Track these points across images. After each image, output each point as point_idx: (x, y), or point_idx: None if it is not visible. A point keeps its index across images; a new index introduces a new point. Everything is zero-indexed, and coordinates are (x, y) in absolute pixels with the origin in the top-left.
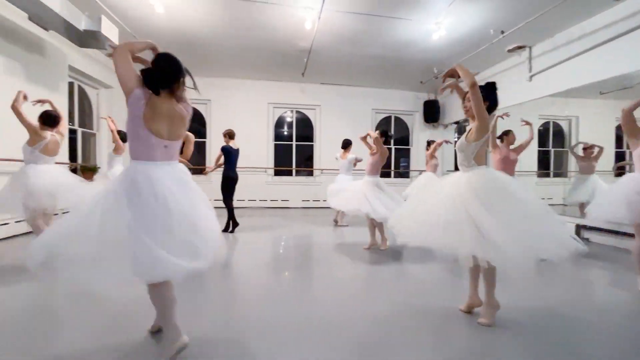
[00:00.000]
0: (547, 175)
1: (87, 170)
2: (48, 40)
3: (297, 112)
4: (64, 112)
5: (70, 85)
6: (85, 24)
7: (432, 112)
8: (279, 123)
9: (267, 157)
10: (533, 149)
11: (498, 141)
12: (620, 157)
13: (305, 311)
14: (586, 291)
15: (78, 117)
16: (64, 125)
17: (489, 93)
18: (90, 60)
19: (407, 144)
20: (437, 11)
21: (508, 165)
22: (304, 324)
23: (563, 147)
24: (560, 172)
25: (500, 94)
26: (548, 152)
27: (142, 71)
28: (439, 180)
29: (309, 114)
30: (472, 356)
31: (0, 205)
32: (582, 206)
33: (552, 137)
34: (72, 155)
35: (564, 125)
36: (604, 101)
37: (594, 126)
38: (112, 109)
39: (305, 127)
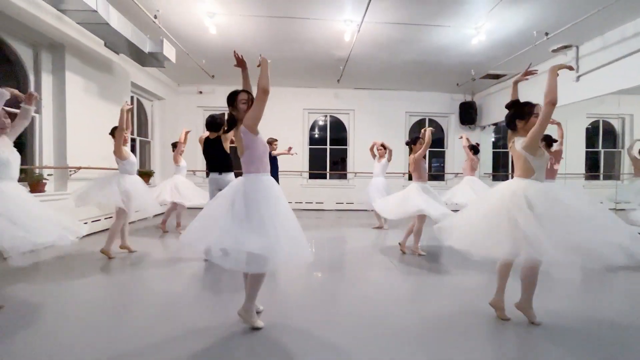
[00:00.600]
0: (597, 177)
1: (144, 175)
2: (116, 61)
3: (331, 116)
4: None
5: (131, 98)
6: (149, 47)
7: (468, 114)
8: (311, 126)
9: (302, 160)
10: (580, 149)
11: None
12: None
13: (359, 310)
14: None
15: (137, 126)
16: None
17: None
18: (147, 76)
19: (442, 147)
20: (477, 17)
21: (550, 173)
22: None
23: (615, 148)
24: (611, 174)
25: (541, 96)
26: (597, 152)
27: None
28: (486, 187)
29: (343, 118)
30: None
31: (80, 199)
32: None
33: (601, 137)
34: None
35: (615, 124)
36: None
37: None
38: (164, 117)
39: (337, 129)
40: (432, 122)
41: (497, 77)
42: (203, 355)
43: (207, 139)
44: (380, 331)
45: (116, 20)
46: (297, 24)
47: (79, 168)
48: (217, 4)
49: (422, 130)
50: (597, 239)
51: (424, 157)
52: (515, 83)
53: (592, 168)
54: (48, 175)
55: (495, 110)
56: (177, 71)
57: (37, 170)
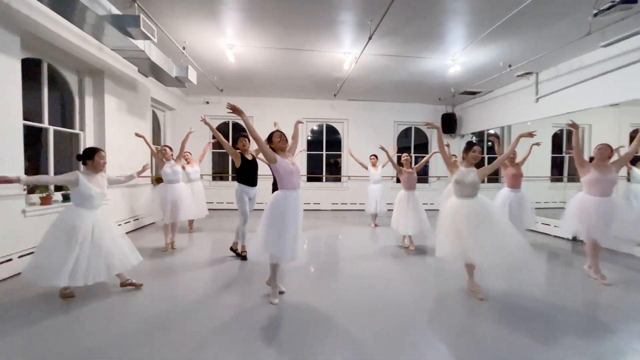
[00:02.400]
0: (561, 180)
1: (159, 181)
2: (138, 79)
3: (327, 125)
4: (149, 135)
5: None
6: (176, 72)
7: (449, 124)
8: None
9: (300, 165)
10: (547, 154)
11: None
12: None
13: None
14: (560, 282)
15: (152, 135)
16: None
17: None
18: (162, 89)
19: (427, 152)
20: (453, 52)
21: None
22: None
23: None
24: (574, 177)
25: (509, 112)
26: (562, 157)
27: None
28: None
29: (338, 126)
30: (475, 321)
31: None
32: None
33: (565, 143)
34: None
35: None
36: (618, 108)
37: (608, 133)
38: (174, 126)
39: (331, 132)
40: (418, 131)
41: (473, 93)
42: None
43: (245, 157)
44: (379, 307)
45: (154, 54)
46: (304, 54)
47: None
48: (236, 37)
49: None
50: (510, 242)
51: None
52: (518, 137)
53: (558, 171)
54: None
55: (473, 121)
56: (192, 87)
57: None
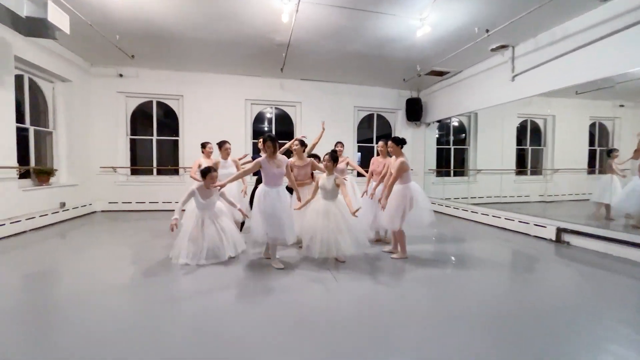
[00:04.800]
0: (525, 172)
1: (42, 174)
2: None
3: (277, 108)
4: (9, 109)
5: (20, 78)
6: (28, 10)
7: (414, 110)
8: (260, 119)
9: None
10: (511, 147)
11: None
12: (592, 155)
13: None
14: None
15: (30, 113)
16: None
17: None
18: (41, 51)
19: None
20: (421, 6)
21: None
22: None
23: (540, 145)
24: (536, 170)
25: (481, 95)
26: (525, 150)
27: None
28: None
29: (289, 110)
30: None
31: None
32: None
33: (529, 135)
34: (24, 158)
35: (541, 123)
36: (580, 100)
37: (569, 125)
38: (71, 103)
39: (286, 123)
40: (380, 118)
41: (441, 74)
42: None
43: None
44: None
45: None
46: (227, 3)
47: None
48: None
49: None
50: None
51: None
52: None
53: (521, 164)
54: None
55: (439, 108)
56: (87, 48)
57: None
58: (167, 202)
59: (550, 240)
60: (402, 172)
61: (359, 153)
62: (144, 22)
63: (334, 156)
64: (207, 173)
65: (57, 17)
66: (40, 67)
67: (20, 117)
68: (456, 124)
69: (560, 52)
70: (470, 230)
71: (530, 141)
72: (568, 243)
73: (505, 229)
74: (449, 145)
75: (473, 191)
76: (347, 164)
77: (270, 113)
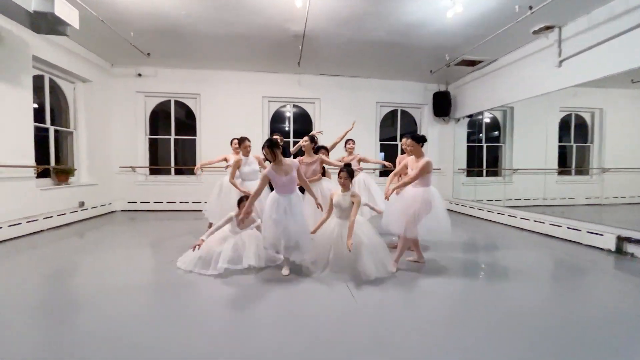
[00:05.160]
0: (568, 172)
1: (61, 173)
2: (5, 27)
3: (296, 106)
4: (27, 109)
5: (40, 78)
6: (35, 4)
7: (442, 105)
8: (279, 118)
9: (261, 153)
10: (553, 143)
11: None
12: None
13: None
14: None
15: (51, 114)
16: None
17: None
18: (61, 51)
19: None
20: None
21: None
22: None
23: (585, 142)
24: (582, 169)
25: (522, 84)
26: (569, 147)
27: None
28: None
29: (307, 108)
30: None
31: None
32: None
33: (573, 131)
34: (45, 157)
35: (587, 118)
36: (635, 91)
37: (622, 119)
38: (92, 103)
39: (305, 122)
40: (405, 114)
41: (473, 63)
42: None
43: None
44: None
45: None
46: None
47: None
48: None
49: None
50: None
51: None
52: None
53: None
54: None
55: (470, 101)
56: (105, 47)
57: None
58: (184, 202)
59: (609, 250)
60: (425, 172)
61: (382, 153)
62: (155, 17)
63: (350, 171)
64: (239, 203)
65: (66, 11)
66: (60, 68)
67: (41, 117)
68: (488, 120)
69: (620, 30)
70: (507, 236)
71: (574, 137)
72: (632, 255)
73: (550, 235)
74: (480, 142)
75: (509, 192)
76: (360, 161)
77: (289, 112)
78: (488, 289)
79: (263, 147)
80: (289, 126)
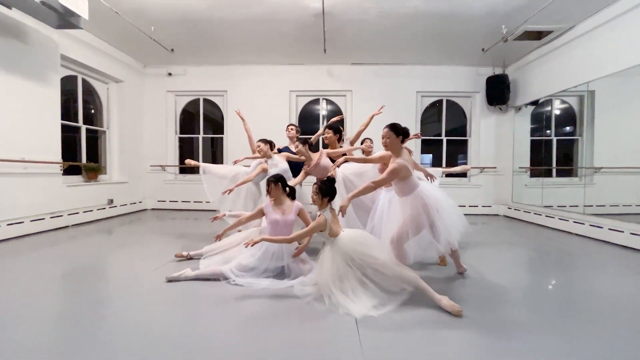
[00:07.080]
0: None
1: (90, 171)
2: (33, 26)
3: (325, 99)
4: (55, 107)
5: (74, 78)
6: None
7: (499, 91)
8: (310, 117)
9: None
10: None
11: None
12: None
13: None
14: None
15: (85, 113)
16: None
17: None
18: (92, 51)
19: (465, 135)
20: None
21: None
22: None
23: None
24: None
25: (608, 56)
26: None
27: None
28: None
29: (338, 101)
30: None
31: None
32: None
33: None
34: (74, 154)
35: None
36: None
37: None
38: (124, 103)
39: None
40: (452, 105)
41: (538, 35)
42: None
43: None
44: None
45: None
46: None
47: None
48: None
49: None
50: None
51: None
52: None
53: None
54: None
55: (535, 84)
56: (131, 45)
57: None
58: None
59: None
60: (394, 178)
61: (430, 155)
62: (171, 7)
63: (323, 187)
64: (268, 186)
65: (75, 3)
66: (91, 68)
67: (73, 116)
68: (558, 112)
69: None
70: (590, 252)
71: None
72: None
73: None
74: (548, 136)
75: (589, 197)
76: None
77: (320, 109)
78: (574, 342)
79: (268, 184)
80: (319, 124)
